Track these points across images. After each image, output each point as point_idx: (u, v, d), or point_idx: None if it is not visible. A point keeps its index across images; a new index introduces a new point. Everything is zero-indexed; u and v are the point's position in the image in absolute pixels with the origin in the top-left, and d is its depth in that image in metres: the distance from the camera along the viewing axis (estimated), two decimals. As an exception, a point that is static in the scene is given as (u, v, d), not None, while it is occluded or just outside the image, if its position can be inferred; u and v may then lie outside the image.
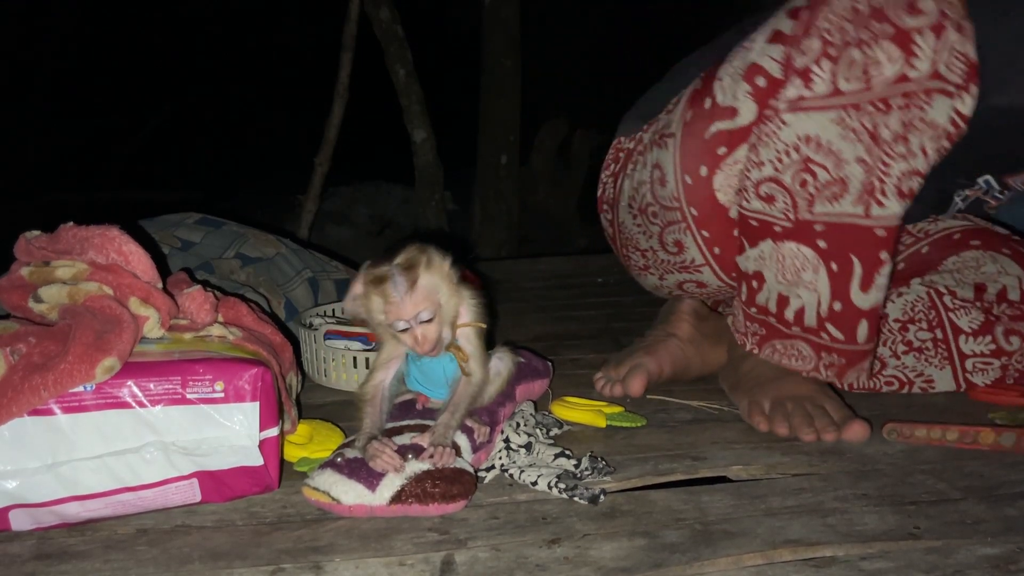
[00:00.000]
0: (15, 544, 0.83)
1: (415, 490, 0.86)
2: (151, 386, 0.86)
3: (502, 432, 1.03)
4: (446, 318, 0.94)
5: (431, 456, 0.90)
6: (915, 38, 0.96)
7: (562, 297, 2.04)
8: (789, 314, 1.12)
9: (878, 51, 0.97)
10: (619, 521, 0.85)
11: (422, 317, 0.92)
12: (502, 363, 1.05)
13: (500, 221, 4.17)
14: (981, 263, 1.22)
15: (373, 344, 1.32)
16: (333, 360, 1.31)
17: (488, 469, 0.97)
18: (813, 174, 1.03)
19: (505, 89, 4.04)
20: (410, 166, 3.72)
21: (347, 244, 4.36)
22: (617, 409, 1.16)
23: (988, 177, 1.27)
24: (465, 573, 0.76)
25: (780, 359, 1.16)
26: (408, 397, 1.04)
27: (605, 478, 0.95)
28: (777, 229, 1.09)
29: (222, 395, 0.87)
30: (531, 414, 1.10)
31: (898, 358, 1.21)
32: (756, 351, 1.18)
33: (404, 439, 0.93)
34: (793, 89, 1.03)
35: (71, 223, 0.98)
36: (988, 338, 1.18)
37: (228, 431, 0.87)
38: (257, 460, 0.89)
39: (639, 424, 1.12)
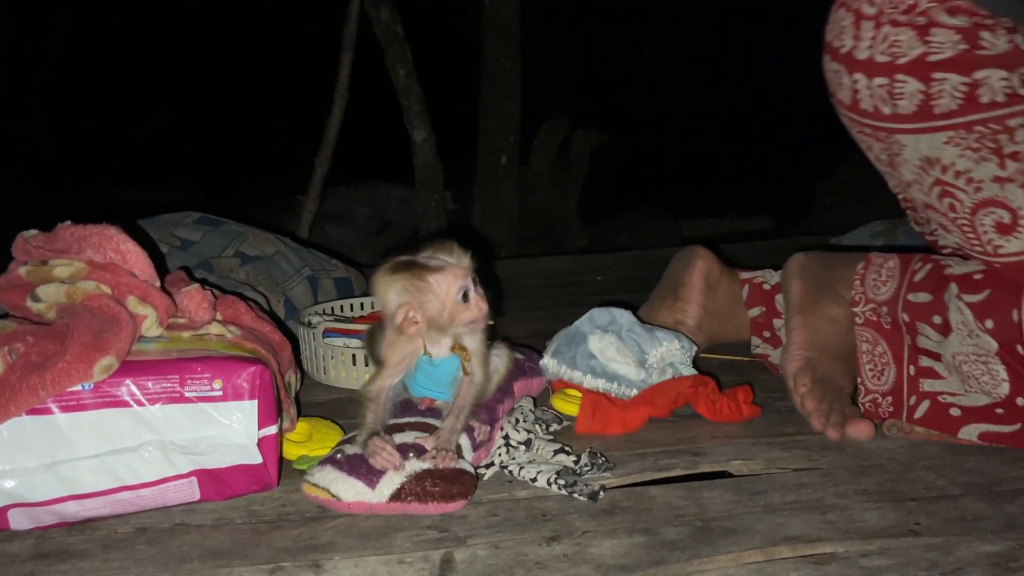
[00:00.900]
0: (14, 543, 0.83)
1: (415, 488, 0.86)
2: (149, 385, 0.86)
3: (501, 429, 1.03)
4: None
5: (434, 458, 0.90)
6: None
7: (562, 295, 2.04)
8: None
9: None
10: (619, 518, 0.85)
11: (476, 283, 0.94)
12: (499, 360, 1.05)
13: (500, 221, 4.16)
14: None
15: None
16: (332, 358, 1.31)
17: (488, 466, 0.97)
18: None
19: (505, 89, 4.03)
20: (410, 166, 3.72)
21: (347, 244, 4.35)
22: None
23: None
24: (464, 571, 0.76)
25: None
26: (408, 397, 1.04)
27: (605, 474, 0.95)
28: None
29: (220, 393, 0.87)
30: (530, 410, 1.10)
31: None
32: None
33: (405, 437, 0.93)
34: None
35: (68, 222, 0.98)
36: None
37: (227, 429, 0.87)
38: (256, 458, 0.88)
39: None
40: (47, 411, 0.83)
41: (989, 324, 0.99)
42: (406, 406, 1.01)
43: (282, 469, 0.96)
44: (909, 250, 1.16)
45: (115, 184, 6.41)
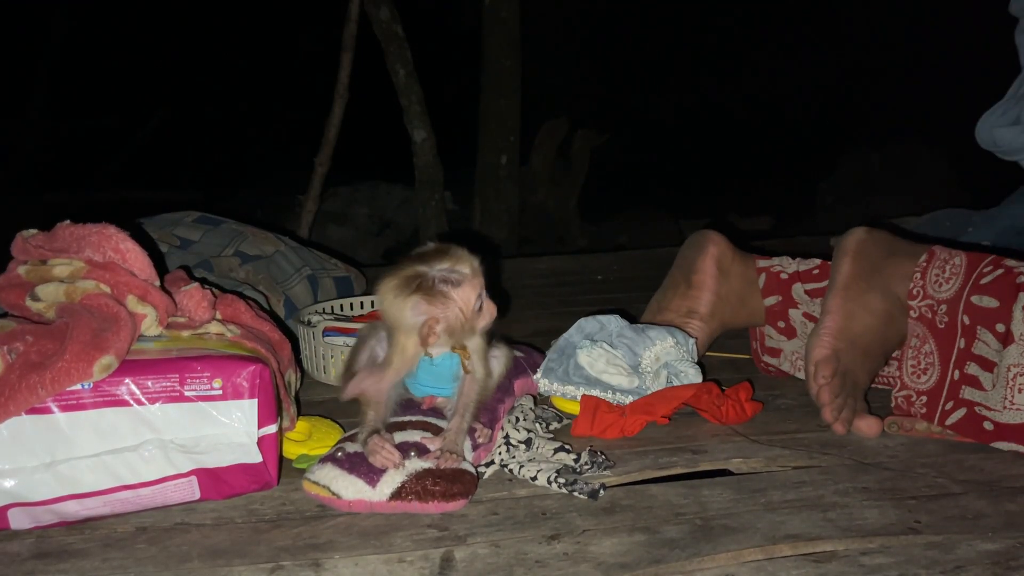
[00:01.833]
0: (14, 543, 0.82)
1: (415, 487, 0.86)
2: (149, 384, 0.86)
3: (502, 428, 1.03)
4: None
5: (438, 459, 0.90)
6: None
7: (562, 294, 2.04)
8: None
9: None
10: (619, 516, 0.85)
11: (486, 293, 0.96)
12: (497, 360, 1.04)
13: (500, 221, 4.16)
14: None
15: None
16: (332, 357, 1.31)
17: (488, 465, 0.97)
18: None
19: (505, 89, 4.03)
20: (410, 166, 3.72)
21: (347, 244, 4.35)
22: None
23: None
24: (465, 570, 0.76)
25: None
26: (410, 397, 1.04)
27: (605, 472, 0.95)
28: None
29: (220, 392, 0.87)
30: (530, 408, 1.10)
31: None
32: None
33: (408, 435, 0.93)
34: None
35: (68, 221, 0.98)
36: None
37: (227, 428, 0.87)
38: (256, 457, 0.88)
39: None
40: (47, 410, 0.83)
41: None
42: (408, 404, 1.01)
43: (282, 468, 0.96)
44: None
45: (115, 184, 6.41)
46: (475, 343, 0.99)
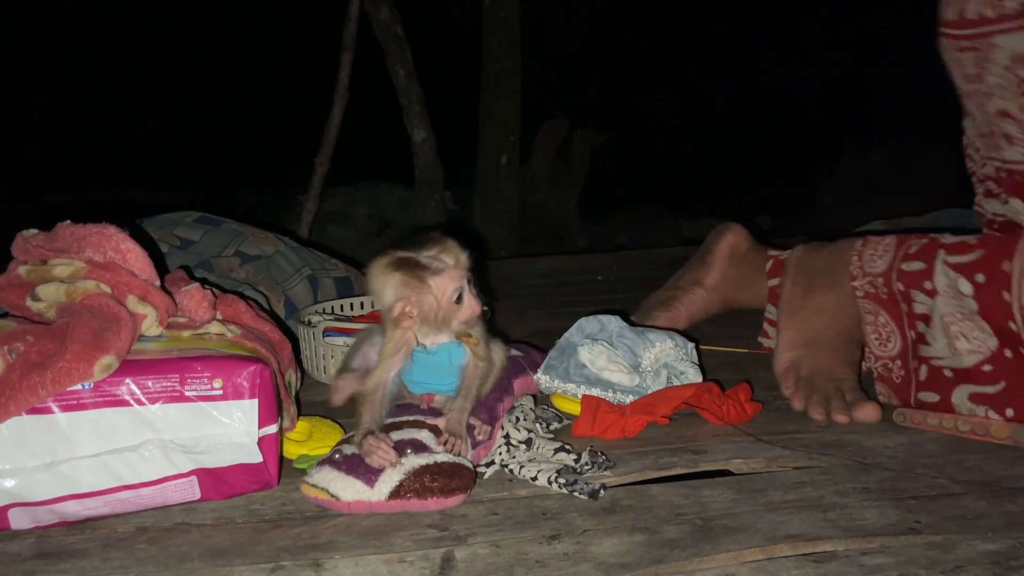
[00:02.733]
0: (14, 543, 0.82)
1: (414, 485, 0.86)
2: (149, 384, 0.86)
3: (502, 428, 1.03)
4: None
5: (445, 443, 0.91)
6: None
7: (562, 294, 2.04)
8: None
9: None
10: (619, 516, 0.85)
11: (470, 283, 0.97)
12: (497, 351, 1.05)
13: (500, 221, 4.16)
14: None
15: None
16: (332, 357, 1.31)
17: (488, 464, 0.97)
18: None
19: (505, 89, 4.04)
20: (410, 166, 3.72)
21: (347, 244, 4.35)
22: None
23: None
24: (465, 570, 0.76)
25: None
26: (408, 401, 1.04)
27: (605, 472, 0.95)
28: None
29: (221, 392, 0.87)
30: (531, 408, 1.10)
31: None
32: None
33: (402, 434, 0.93)
34: None
35: (68, 221, 0.98)
36: None
37: (227, 428, 0.87)
38: (256, 457, 0.88)
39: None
40: (47, 410, 0.83)
41: (979, 279, 1.05)
42: (404, 407, 1.01)
43: (282, 468, 0.96)
44: None
45: (115, 184, 6.42)
46: (477, 330, 1.00)
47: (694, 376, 1.16)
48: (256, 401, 0.88)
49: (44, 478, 0.83)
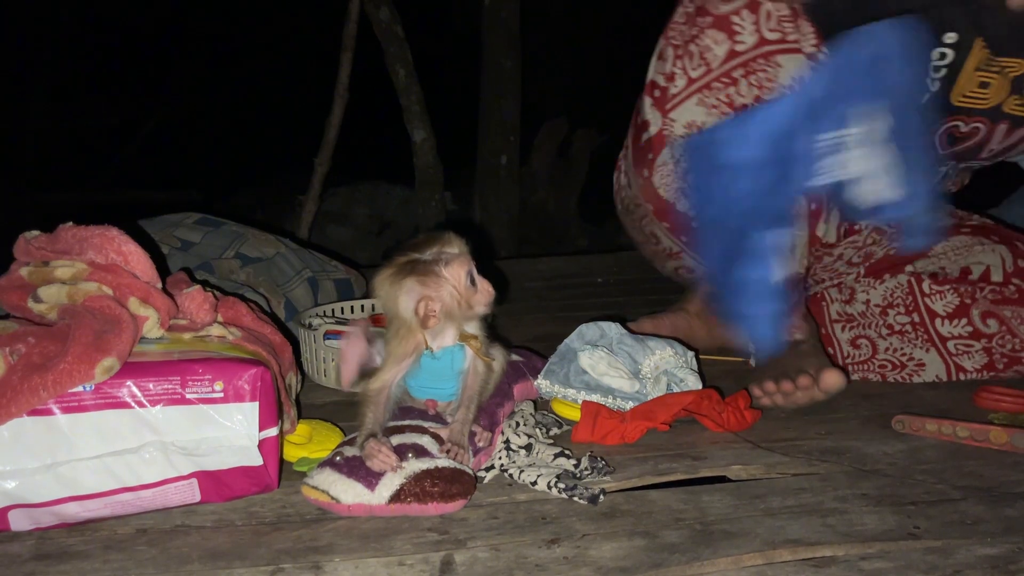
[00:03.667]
0: (15, 544, 0.83)
1: (414, 489, 0.86)
2: (150, 386, 0.86)
3: (502, 433, 1.03)
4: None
5: (448, 452, 0.91)
6: (733, 19, 1.13)
7: (562, 297, 2.04)
8: None
9: (707, 39, 1.15)
10: (619, 521, 0.85)
11: (477, 272, 0.97)
12: (497, 354, 1.05)
13: (500, 221, 4.16)
14: (968, 246, 1.28)
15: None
16: (333, 360, 1.31)
17: (488, 469, 0.97)
18: None
19: (505, 89, 4.03)
20: (410, 166, 3.72)
21: (347, 244, 4.35)
22: None
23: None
24: (465, 573, 0.76)
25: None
26: (410, 404, 1.04)
27: (605, 478, 0.95)
28: None
29: (221, 395, 0.87)
30: (531, 413, 1.10)
31: (884, 339, 1.30)
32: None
33: (403, 438, 0.93)
34: (671, 90, 1.19)
35: (70, 223, 0.98)
36: (964, 320, 1.24)
37: (227, 431, 0.87)
38: (256, 460, 0.89)
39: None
40: (48, 412, 0.83)
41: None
42: (407, 411, 1.01)
43: (282, 471, 0.96)
44: None
45: (115, 184, 6.41)
46: (480, 333, 0.99)
47: (693, 383, 1.16)
48: (257, 404, 0.88)
49: (45, 479, 0.83)
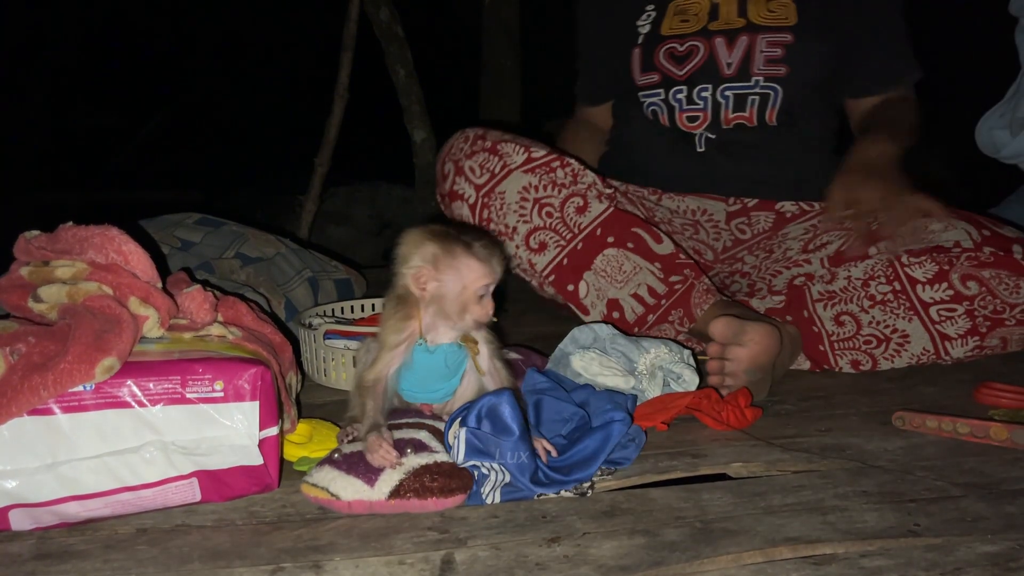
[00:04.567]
0: (15, 544, 0.83)
1: (413, 485, 0.86)
2: (151, 386, 0.86)
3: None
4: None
5: None
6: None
7: (562, 296, 2.03)
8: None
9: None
10: (619, 519, 0.85)
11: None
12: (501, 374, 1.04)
13: (500, 221, 4.16)
14: (928, 225, 1.31)
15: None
16: (332, 360, 1.31)
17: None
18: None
19: (505, 89, 4.03)
20: (410, 166, 3.72)
21: (347, 244, 4.34)
22: None
23: None
24: (465, 572, 0.76)
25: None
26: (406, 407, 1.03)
27: (607, 477, 0.95)
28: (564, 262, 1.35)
29: (222, 394, 0.87)
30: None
31: (867, 312, 1.31)
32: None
33: (402, 433, 0.93)
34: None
35: (70, 223, 0.98)
36: (944, 284, 1.25)
37: (228, 430, 0.87)
38: (257, 459, 0.89)
39: None
40: (48, 411, 0.83)
41: None
42: (404, 412, 1.01)
43: (282, 470, 0.96)
44: None
45: (115, 184, 6.41)
46: (484, 337, 0.98)
47: (690, 378, 1.16)
48: (257, 403, 0.88)
49: (45, 479, 0.83)
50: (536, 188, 1.32)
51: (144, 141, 7.43)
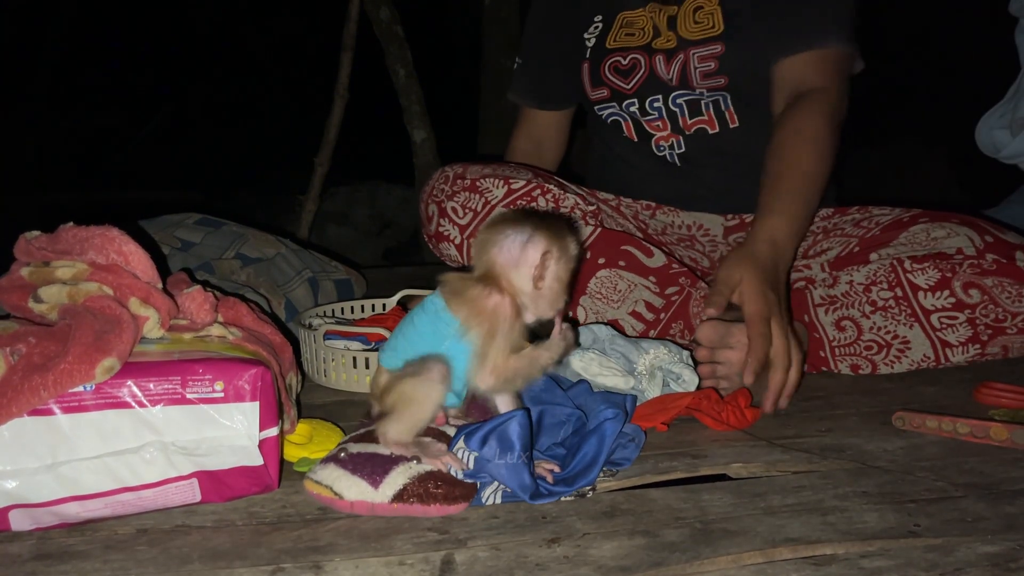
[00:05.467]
0: (15, 544, 0.83)
1: (417, 489, 0.86)
2: (151, 386, 0.86)
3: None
4: None
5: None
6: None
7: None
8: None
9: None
10: (619, 520, 0.85)
11: None
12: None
13: (500, 221, 4.16)
14: (930, 231, 1.30)
15: (373, 344, 1.32)
16: (333, 360, 1.31)
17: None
18: None
19: (505, 89, 4.03)
20: (410, 166, 3.72)
21: (347, 244, 4.35)
22: None
23: None
24: (465, 572, 0.76)
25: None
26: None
27: (607, 478, 0.95)
28: None
29: (222, 395, 0.87)
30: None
31: (868, 318, 1.30)
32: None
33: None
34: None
35: (71, 223, 0.98)
36: (946, 292, 1.25)
37: (228, 431, 0.87)
38: (257, 460, 0.89)
39: None
40: (48, 412, 0.83)
41: None
42: None
43: (282, 471, 0.96)
44: None
45: (115, 184, 6.42)
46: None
47: (690, 377, 1.16)
48: (257, 404, 0.88)
49: (45, 479, 0.83)
50: None
51: (144, 141, 7.43)
